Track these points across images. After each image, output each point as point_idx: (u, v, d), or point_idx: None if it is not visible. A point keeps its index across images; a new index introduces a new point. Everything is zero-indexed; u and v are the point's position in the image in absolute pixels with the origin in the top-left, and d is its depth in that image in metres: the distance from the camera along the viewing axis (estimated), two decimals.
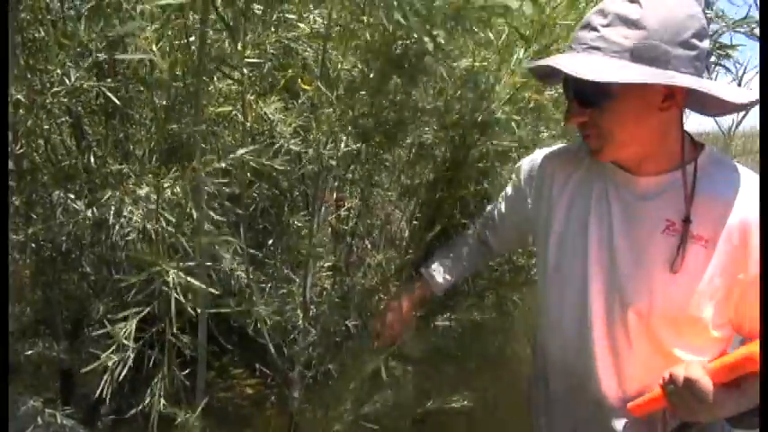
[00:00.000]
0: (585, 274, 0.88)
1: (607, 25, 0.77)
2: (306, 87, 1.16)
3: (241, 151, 1.03)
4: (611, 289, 0.86)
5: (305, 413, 1.27)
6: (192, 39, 1.10)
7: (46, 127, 1.05)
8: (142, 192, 1.04)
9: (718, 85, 0.78)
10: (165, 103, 1.14)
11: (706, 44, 0.78)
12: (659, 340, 0.83)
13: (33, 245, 1.14)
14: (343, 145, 1.21)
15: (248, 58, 1.15)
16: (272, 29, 1.16)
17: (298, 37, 1.16)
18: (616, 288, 0.85)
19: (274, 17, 1.19)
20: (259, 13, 1.15)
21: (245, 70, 1.13)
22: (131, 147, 1.22)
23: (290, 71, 1.23)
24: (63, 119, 1.27)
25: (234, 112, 1.20)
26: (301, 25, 1.18)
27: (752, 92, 0.80)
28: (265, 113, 1.17)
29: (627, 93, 0.77)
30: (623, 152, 0.84)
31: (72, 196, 1.09)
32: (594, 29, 0.78)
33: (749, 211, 0.78)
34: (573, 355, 0.91)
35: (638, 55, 0.75)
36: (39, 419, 1.05)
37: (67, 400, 1.29)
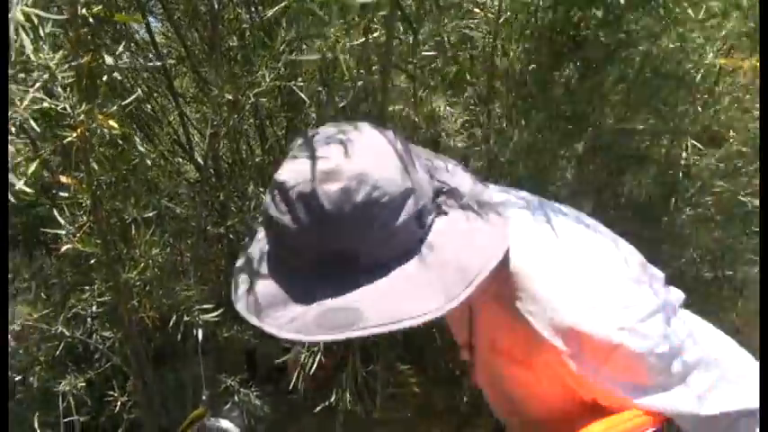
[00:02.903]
0: None
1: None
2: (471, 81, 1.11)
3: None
4: None
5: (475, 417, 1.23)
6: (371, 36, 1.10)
7: (245, 127, 1.13)
8: None
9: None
10: (345, 101, 1.17)
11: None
12: None
13: (231, 236, 1.24)
14: (515, 138, 1.13)
15: (424, 51, 1.14)
16: (449, 17, 1.12)
17: (477, 24, 1.11)
18: None
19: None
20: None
21: (416, 64, 1.11)
22: None
23: (455, 65, 1.19)
24: (250, 120, 1.38)
25: (405, 109, 1.19)
26: (477, 11, 1.12)
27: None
28: (435, 109, 1.14)
29: None
30: None
31: (263, 190, 1.16)
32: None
33: None
34: None
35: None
36: (235, 397, 1.14)
37: (252, 380, 1.39)
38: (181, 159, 1.43)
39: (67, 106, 0.70)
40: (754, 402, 0.57)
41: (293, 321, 0.51)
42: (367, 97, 1.14)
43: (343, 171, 0.50)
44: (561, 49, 1.06)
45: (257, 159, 1.29)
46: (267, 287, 0.54)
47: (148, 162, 0.97)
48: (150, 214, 1.02)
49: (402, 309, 0.50)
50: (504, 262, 0.56)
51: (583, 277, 0.57)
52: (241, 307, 0.55)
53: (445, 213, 0.56)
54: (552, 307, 0.56)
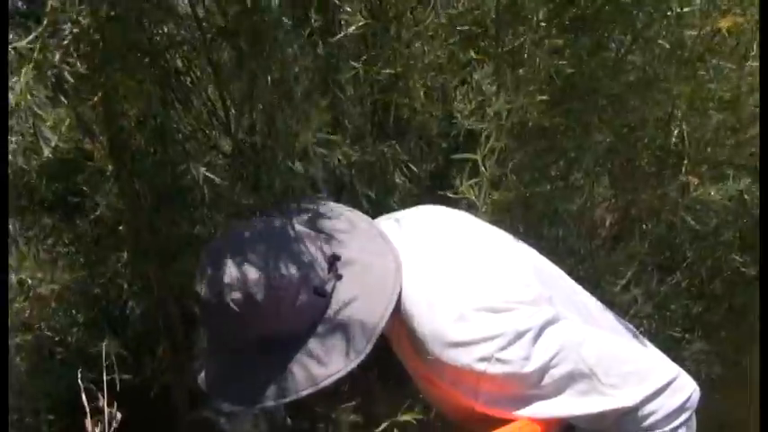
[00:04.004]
0: None
1: None
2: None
3: None
4: None
5: None
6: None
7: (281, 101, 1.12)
8: None
9: None
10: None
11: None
12: None
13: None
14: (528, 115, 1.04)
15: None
16: None
17: None
18: None
19: None
20: None
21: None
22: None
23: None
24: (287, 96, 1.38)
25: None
26: None
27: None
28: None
29: None
30: None
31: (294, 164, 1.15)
32: None
33: None
34: None
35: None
36: None
37: None
38: (217, 133, 1.44)
39: (87, 69, 0.71)
40: (628, 402, 0.63)
41: (237, 395, 0.67)
42: (400, 79, 1.09)
43: (244, 281, 0.62)
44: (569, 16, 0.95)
45: (291, 133, 1.29)
46: (218, 367, 0.70)
47: (179, 131, 0.98)
48: (184, 183, 1.04)
49: (318, 372, 0.63)
50: (398, 302, 0.67)
51: (451, 317, 0.64)
52: (201, 382, 0.71)
53: (341, 277, 0.67)
54: (427, 348, 0.65)
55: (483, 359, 0.62)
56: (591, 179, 1.04)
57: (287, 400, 0.63)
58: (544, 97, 0.84)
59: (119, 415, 0.75)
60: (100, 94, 0.71)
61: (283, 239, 0.66)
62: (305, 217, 0.74)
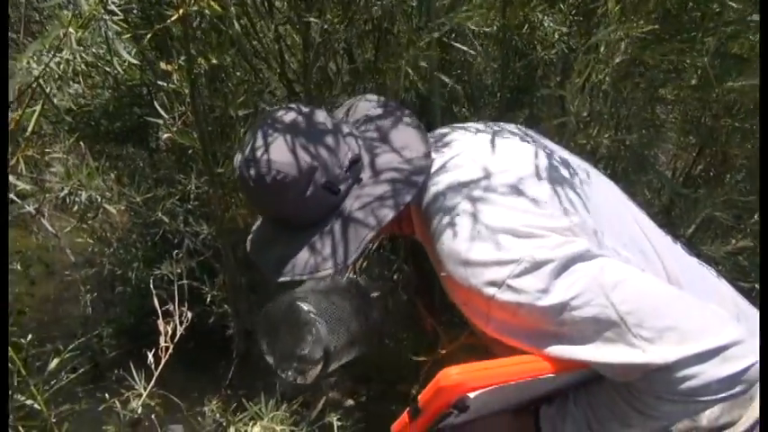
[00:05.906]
0: None
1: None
2: None
3: None
4: None
5: None
6: None
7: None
8: None
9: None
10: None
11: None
12: None
13: None
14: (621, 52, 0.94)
15: None
16: None
17: None
18: None
19: None
20: None
21: None
22: None
23: None
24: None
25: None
26: None
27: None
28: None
29: None
30: None
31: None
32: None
33: None
34: None
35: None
36: None
37: None
38: (273, 75, 1.41)
39: None
40: (658, 360, 0.55)
41: (262, 261, 0.71)
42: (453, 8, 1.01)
43: (258, 159, 0.66)
44: None
45: (345, 79, 1.24)
46: (258, 231, 0.77)
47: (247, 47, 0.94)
48: (246, 113, 1.02)
49: (313, 264, 0.66)
50: (421, 208, 0.67)
51: (468, 234, 0.61)
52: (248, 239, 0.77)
53: (359, 181, 0.68)
54: (441, 262, 0.63)
55: (492, 283, 0.59)
56: (680, 125, 0.94)
57: (284, 279, 0.67)
58: (650, 27, 0.73)
59: (189, 314, 0.77)
60: (181, 12, 0.68)
61: (308, 132, 0.67)
62: (350, 113, 0.75)
